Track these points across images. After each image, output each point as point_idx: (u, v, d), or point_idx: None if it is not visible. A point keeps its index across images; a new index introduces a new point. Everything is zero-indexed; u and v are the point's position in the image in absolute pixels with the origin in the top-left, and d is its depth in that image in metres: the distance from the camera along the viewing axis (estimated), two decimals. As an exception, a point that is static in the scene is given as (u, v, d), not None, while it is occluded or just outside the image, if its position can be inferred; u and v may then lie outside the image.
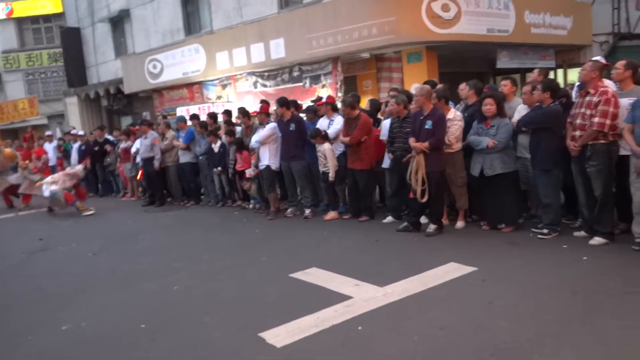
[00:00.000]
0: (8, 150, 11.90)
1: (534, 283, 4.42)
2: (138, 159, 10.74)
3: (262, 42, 11.83)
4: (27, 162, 11.20)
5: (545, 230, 5.70)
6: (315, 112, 8.32)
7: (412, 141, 6.18)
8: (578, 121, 5.33)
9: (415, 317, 3.94)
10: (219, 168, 9.39)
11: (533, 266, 4.87)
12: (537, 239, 5.68)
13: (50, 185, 10.26)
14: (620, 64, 5.35)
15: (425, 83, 6.87)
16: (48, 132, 16.88)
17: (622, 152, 5.25)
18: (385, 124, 7.15)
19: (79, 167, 11.09)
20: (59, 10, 24.48)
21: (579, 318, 3.71)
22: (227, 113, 10.22)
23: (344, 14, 10.19)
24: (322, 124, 7.79)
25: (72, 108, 20.43)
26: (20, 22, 26.02)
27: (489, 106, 5.93)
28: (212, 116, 10.31)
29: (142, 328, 4.17)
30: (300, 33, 10.98)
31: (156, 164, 10.25)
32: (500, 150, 5.85)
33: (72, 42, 21.16)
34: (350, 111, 7.24)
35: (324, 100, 8.03)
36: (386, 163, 7.12)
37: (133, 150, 10.89)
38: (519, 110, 6.11)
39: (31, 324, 4.50)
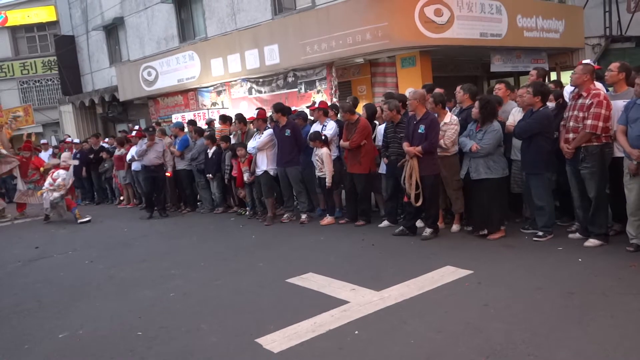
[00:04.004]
0: (8, 130, 11.83)
1: (529, 285, 4.44)
2: (135, 166, 10.68)
3: (257, 48, 11.86)
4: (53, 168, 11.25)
5: (540, 233, 5.73)
6: (305, 118, 8.36)
7: (405, 145, 6.21)
8: (571, 124, 5.38)
9: (412, 320, 3.95)
10: (210, 175, 9.42)
11: (528, 268, 4.89)
12: (532, 242, 5.71)
13: (51, 194, 10.27)
14: (614, 66, 5.38)
15: (423, 87, 6.91)
16: (43, 141, 16.83)
17: (617, 153, 5.29)
18: (380, 129, 7.19)
19: (63, 176, 10.55)
20: (53, 18, 24.49)
21: (574, 319, 3.73)
22: (223, 119, 10.27)
23: (338, 19, 10.23)
24: (315, 129, 7.82)
25: (67, 116, 20.41)
26: (14, 30, 25.98)
27: (473, 109, 5.99)
28: (225, 119, 10.29)
29: (138, 335, 4.17)
30: (294, 39, 11.02)
31: (169, 170, 10.10)
32: (485, 156, 5.79)
33: (67, 50, 21.16)
34: (350, 116, 7.26)
35: (316, 105, 8.07)
36: (382, 168, 7.16)
37: (129, 157, 10.87)
38: (514, 113, 6.14)
39: (28, 332, 4.49)
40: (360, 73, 11.52)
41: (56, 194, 10.28)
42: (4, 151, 11.05)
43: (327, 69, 10.90)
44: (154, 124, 12.52)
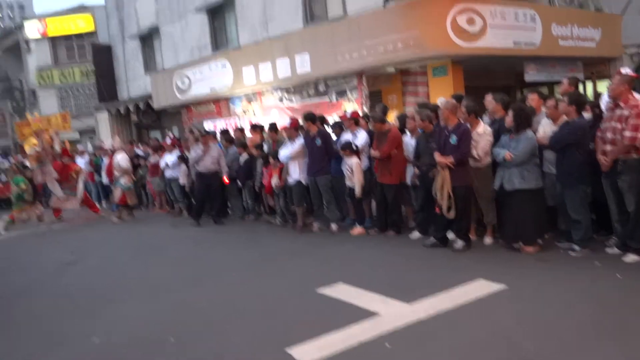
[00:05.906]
0: (47, 136, 12.24)
1: (563, 300, 4.34)
2: (169, 174, 10.88)
3: (288, 57, 11.95)
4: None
5: (576, 247, 5.59)
6: (341, 127, 8.37)
7: (437, 156, 6.16)
8: (609, 135, 5.26)
9: (443, 334, 3.91)
10: (239, 181, 9.54)
11: (563, 283, 4.78)
12: (568, 256, 5.57)
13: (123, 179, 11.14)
14: (654, 75, 5.26)
15: (452, 97, 6.85)
16: (80, 147, 17.30)
17: (656, 166, 5.14)
18: (409, 141, 7.15)
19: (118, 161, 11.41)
20: (91, 28, 25.28)
21: (610, 335, 3.63)
22: (254, 127, 10.38)
23: (369, 28, 10.24)
24: (346, 138, 7.83)
25: (103, 123, 20.91)
26: (54, 40, 26.86)
27: (507, 118, 5.89)
28: (256, 127, 10.42)
29: (169, 338, 4.22)
30: (325, 48, 11.06)
31: (225, 176, 9.81)
32: (519, 165, 5.66)
33: (103, 59, 21.69)
34: (381, 126, 7.25)
35: (347, 115, 8.08)
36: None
37: (162, 164, 11.07)
38: (544, 125, 6.03)
39: (62, 334, 4.61)
40: (391, 82, 11.47)
41: (122, 180, 11.11)
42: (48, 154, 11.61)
43: (358, 78, 10.91)
44: (192, 129, 12.68)
